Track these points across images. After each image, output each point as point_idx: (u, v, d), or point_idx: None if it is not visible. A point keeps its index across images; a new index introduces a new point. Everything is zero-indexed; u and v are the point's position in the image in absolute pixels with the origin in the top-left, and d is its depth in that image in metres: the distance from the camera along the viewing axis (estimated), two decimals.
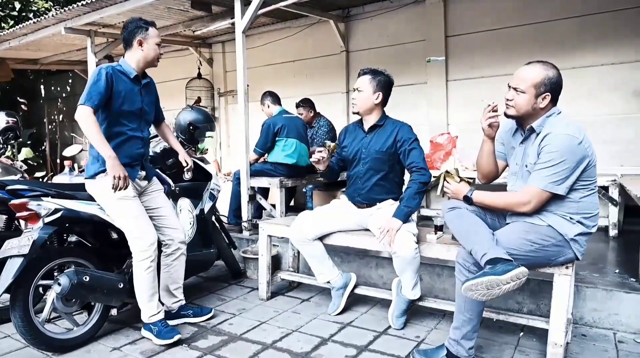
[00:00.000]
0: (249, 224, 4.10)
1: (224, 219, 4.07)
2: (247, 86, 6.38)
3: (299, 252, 3.41)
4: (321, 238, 2.78)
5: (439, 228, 2.62)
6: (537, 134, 2.05)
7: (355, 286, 2.88)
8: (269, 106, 4.27)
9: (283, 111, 4.23)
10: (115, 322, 2.72)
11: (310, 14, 5.14)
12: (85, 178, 2.47)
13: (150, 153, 3.06)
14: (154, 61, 2.47)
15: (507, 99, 2.08)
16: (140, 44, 2.40)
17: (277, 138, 4.05)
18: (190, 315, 2.74)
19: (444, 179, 2.24)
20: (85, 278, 2.28)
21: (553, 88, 2.03)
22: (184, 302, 2.75)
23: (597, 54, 4.27)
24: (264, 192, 4.54)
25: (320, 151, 2.66)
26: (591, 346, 2.39)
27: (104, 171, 2.32)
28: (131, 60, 2.43)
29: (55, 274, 2.39)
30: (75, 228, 2.54)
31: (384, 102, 2.73)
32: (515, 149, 2.20)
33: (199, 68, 6.62)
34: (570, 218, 2.01)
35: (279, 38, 5.97)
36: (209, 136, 3.43)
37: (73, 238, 2.69)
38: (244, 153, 4.03)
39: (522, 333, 2.52)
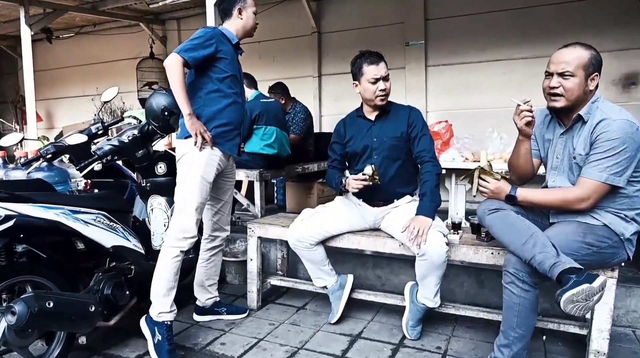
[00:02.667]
0: None
1: None
2: None
3: (288, 253, 3.07)
4: (323, 241, 2.46)
5: (457, 226, 2.39)
6: (584, 123, 1.84)
7: (352, 289, 2.59)
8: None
9: (260, 95, 3.81)
10: (81, 349, 2.24)
11: None
12: (178, 138, 2.30)
13: (116, 142, 2.60)
14: (252, 30, 2.40)
15: (552, 88, 1.84)
16: (240, 12, 2.33)
17: (255, 126, 3.62)
18: (224, 312, 2.66)
19: (479, 177, 1.99)
20: (49, 304, 1.81)
21: (599, 68, 1.84)
22: (218, 299, 2.69)
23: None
24: (237, 184, 4.11)
25: (361, 178, 2.24)
26: (618, 347, 2.27)
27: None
28: (231, 28, 2.35)
29: (4, 298, 1.90)
30: (31, 239, 2.03)
31: None
32: (554, 142, 1.98)
33: (151, 47, 5.97)
34: (625, 215, 1.83)
35: None
36: None
37: (20, 249, 2.17)
38: None
39: (545, 337, 2.36)
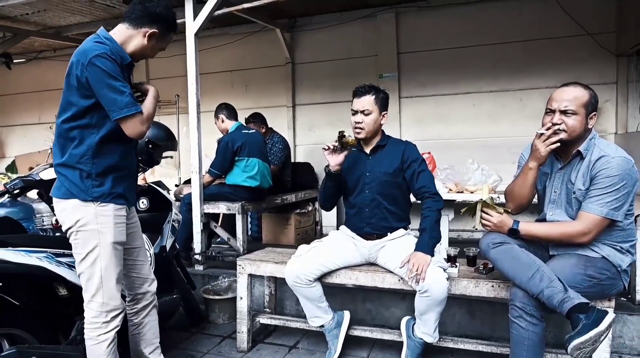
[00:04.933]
0: (203, 256, 3.53)
1: None
2: (177, 96, 5.77)
3: (276, 289, 2.97)
4: (321, 277, 2.40)
5: (453, 259, 2.40)
6: (582, 158, 1.92)
7: (348, 326, 2.53)
8: (223, 121, 3.76)
9: (241, 126, 3.75)
10: None
11: (256, 20, 4.71)
12: (58, 197, 1.82)
13: None
14: (139, 57, 1.89)
15: (554, 124, 1.90)
16: (148, 36, 1.81)
17: (236, 158, 3.55)
18: None
19: (482, 210, 2.01)
20: None
21: (597, 107, 1.94)
22: None
23: (543, 77, 4.48)
24: (214, 216, 3.98)
25: (335, 144, 2.29)
26: None
27: (105, 196, 1.80)
28: (126, 41, 1.81)
29: None
30: (8, 287, 1.84)
31: None
32: (552, 176, 2.05)
33: None
34: (621, 247, 1.91)
35: (215, 45, 5.42)
36: (168, 156, 2.86)
37: None
38: (196, 173, 3.48)
39: None
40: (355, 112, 2.38)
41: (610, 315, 1.69)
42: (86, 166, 1.77)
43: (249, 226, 5.03)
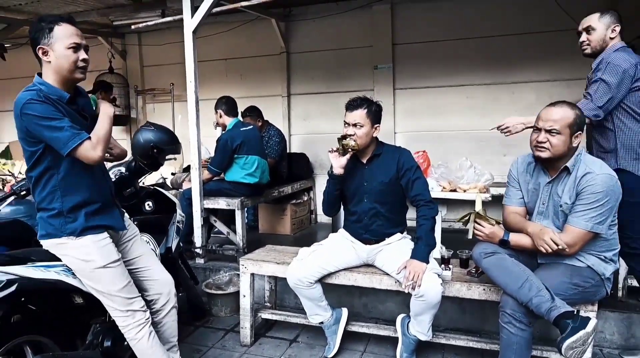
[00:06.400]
0: (203, 250, 3.64)
1: None
2: (172, 84, 5.75)
3: (276, 285, 3.10)
4: (321, 278, 2.52)
5: (447, 261, 2.53)
6: (569, 173, 2.04)
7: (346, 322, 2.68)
8: (221, 116, 3.80)
9: (238, 123, 3.80)
10: None
11: (251, 10, 4.68)
12: (43, 239, 1.90)
13: None
14: (71, 72, 1.80)
15: (539, 142, 2.01)
16: (45, 53, 1.77)
17: (235, 155, 3.61)
18: None
19: (475, 221, 2.13)
20: None
21: (583, 126, 2.04)
22: None
23: (535, 71, 4.55)
24: (212, 210, 4.07)
25: (334, 149, 2.42)
26: None
27: (78, 230, 1.86)
28: (47, 77, 1.82)
29: None
30: (32, 300, 1.94)
31: None
32: (539, 190, 2.16)
33: (110, 61, 5.72)
34: (605, 257, 2.05)
35: (210, 33, 5.38)
36: (172, 158, 2.92)
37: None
38: (195, 170, 3.55)
39: None
40: (346, 124, 2.44)
41: (593, 320, 1.84)
42: (57, 204, 1.85)
43: (246, 215, 5.14)
